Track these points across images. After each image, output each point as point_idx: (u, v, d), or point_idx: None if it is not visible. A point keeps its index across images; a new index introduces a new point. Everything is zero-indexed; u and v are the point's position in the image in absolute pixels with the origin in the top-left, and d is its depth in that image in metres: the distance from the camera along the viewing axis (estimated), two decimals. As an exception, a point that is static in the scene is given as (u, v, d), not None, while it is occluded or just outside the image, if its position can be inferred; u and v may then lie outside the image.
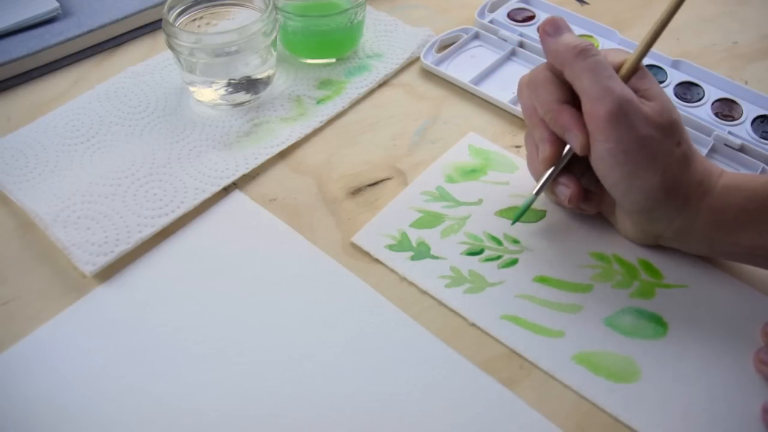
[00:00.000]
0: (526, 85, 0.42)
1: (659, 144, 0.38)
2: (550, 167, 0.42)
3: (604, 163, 0.39)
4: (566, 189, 0.42)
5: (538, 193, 0.42)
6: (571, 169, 0.42)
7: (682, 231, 0.41)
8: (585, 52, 0.38)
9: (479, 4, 0.62)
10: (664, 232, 0.42)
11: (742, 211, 0.39)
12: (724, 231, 0.40)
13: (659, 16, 0.39)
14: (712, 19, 0.64)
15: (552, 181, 0.42)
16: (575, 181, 0.42)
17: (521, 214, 0.43)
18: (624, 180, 0.39)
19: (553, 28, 0.40)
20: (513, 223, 0.44)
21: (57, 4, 0.57)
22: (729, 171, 0.41)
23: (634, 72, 0.40)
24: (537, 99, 0.41)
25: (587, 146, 0.39)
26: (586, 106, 0.39)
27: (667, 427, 0.36)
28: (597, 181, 0.41)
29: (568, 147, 0.41)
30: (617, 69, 0.40)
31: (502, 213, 0.46)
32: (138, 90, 0.53)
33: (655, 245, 0.43)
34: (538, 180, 0.43)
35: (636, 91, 0.39)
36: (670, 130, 0.39)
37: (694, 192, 0.39)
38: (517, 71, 0.57)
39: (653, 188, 0.39)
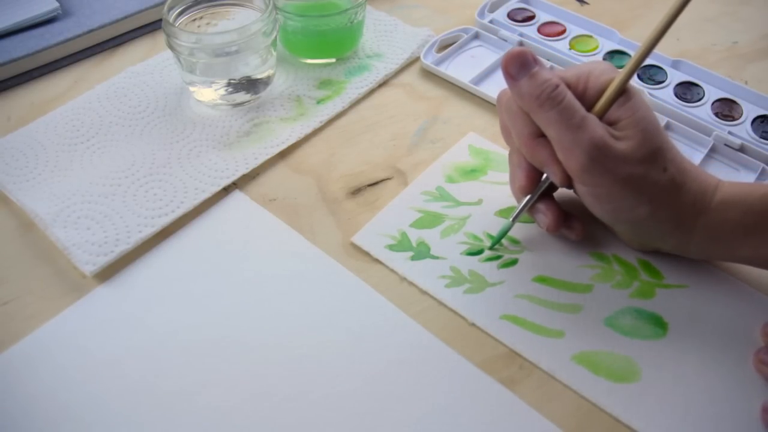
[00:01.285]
0: (505, 109, 0.40)
1: (642, 178, 0.37)
2: (526, 196, 0.41)
3: (586, 199, 0.39)
4: (544, 218, 0.41)
5: (514, 219, 0.42)
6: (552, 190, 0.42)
7: (678, 247, 0.41)
8: (550, 101, 0.36)
9: (479, 4, 0.62)
10: (660, 247, 0.42)
11: (739, 226, 0.38)
12: (721, 246, 0.39)
13: (644, 40, 0.37)
14: (712, 19, 0.64)
15: (531, 207, 0.42)
16: (554, 208, 0.41)
17: (498, 239, 0.43)
18: (609, 215, 0.39)
19: (516, 68, 0.37)
20: (490, 248, 0.43)
21: (57, 4, 0.57)
22: (725, 182, 0.39)
23: (619, 95, 0.37)
24: (513, 128, 0.39)
25: (567, 181, 0.38)
26: (558, 154, 0.37)
27: (667, 427, 0.36)
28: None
29: (545, 176, 0.41)
30: (602, 91, 0.38)
31: (502, 213, 0.46)
32: (138, 90, 0.53)
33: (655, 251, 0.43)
34: (518, 198, 0.43)
35: (616, 121, 0.37)
36: (654, 159, 0.37)
37: (687, 213, 0.38)
38: (517, 71, 0.57)
39: (641, 219, 0.38)
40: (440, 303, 0.41)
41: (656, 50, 0.56)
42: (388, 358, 0.38)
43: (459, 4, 0.64)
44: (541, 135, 0.38)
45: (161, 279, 0.42)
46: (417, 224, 0.45)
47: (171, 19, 0.49)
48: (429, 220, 0.45)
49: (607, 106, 0.37)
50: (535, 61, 0.38)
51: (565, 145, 0.37)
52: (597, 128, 0.36)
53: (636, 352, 0.38)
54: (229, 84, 0.51)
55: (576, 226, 0.42)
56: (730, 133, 0.51)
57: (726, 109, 0.53)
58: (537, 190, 0.41)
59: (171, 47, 0.49)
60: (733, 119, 0.52)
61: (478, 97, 0.54)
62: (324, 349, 0.39)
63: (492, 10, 0.62)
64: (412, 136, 0.51)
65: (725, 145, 0.50)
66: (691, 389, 0.37)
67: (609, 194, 0.37)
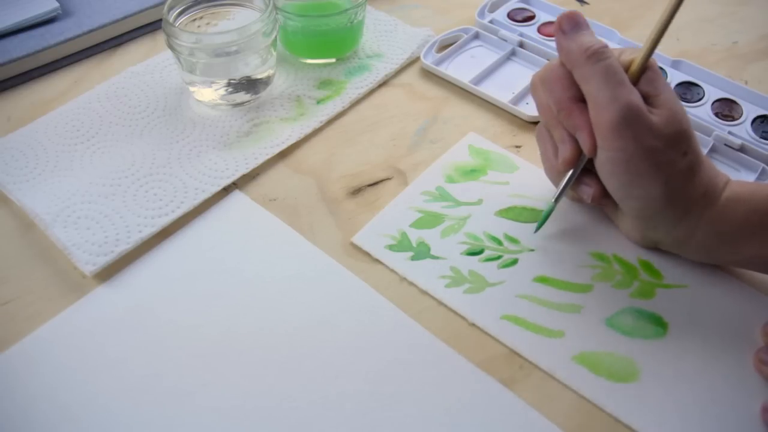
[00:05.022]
0: (540, 82, 0.41)
1: (663, 155, 0.37)
2: (571, 169, 0.41)
3: (605, 168, 0.39)
4: (589, 189, 0.41)
5: (558, 199, 0.42)
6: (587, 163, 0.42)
7: (681, 240, 0.41)
8: (596, 54, 0.37)
9: (479, 4, 0.62)
10: (663, 239, 0.42)
11: (745, 223, 0.38)
12: (724, 242, 0.39)
13: (662, 12, 0.38)
14: (712, 19, 0.64)
15: (575, 182, 0.42)
16: (598, 182, 0.41)
17: (543, 221, 0.43)
18: (624, 187, 0.39)
19: (569, 25, 0.39)
20: (536, 230, 0.44)
21: (57, 4, 0.57)
22: (734, 180, 0.40)
23: (642, 71, 0.38)
24: (551, 96, 0.40)
25: (595, 149, 0.39)
26: (591, 112, 0.38)
27: (667, 427, 0.36)
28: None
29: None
30: (626, 69, 0.39)
31: (502, 213, 0.46)
32: (138, 90, 0.53)
33: (655, 249, 0.43)
34: (554, 180, 0.43)
35: (646, 96, 0.38)
36: (677, 140, 0.38)
37: (697, 204, 0.39)
38: (517, 71, 0.57)
39: (653, 198, 0.38)
40: (440, 303, 0.41)
41: (656, 50, 0.56)
42: (388, 358, 0.38)
43: (459, 4, 0.64)
44: (579, 100, 0.39)
45: (161, 279, 0.42)
46: (417, 224, 0.45)
47: (171, 19, 0.49)
48: (429, 220, 0.45)
49: (637, 74, 0.38)
50: (587, 26, 0.39)
51: (601, 101, 0.37)
52: (635, 93, 0.37)
53: (636, 352, 0.38)
54: (229, 84, 0.51)
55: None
56: (730, 133, 0.51)
57: (726, 109, 0.53)
58: (579, 163, 0.41)
59: (171, 47, 0.49)
60: (733, 119, 0.52)
61: (478, 97, 0.54)
62: (324, 349, 0.39)
63: (492, 10, 0.62)
64: (412, 136, 0.51)
65: (725, 145, 0.50)
66: (691, 389, 0.37)
67: (628, 163, 0.37)
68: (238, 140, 0.50)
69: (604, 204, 0.43)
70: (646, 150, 0.37)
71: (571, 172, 0.41)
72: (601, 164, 0.39)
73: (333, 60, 0.57)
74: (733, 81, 0.54)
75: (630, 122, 0.36)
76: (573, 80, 0.39)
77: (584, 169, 0.41)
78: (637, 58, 0.38)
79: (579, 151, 0.40)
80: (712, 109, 0.53)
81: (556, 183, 0.43)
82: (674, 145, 0.37)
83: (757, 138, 0.50)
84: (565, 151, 0.40)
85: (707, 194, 0.39)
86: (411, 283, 0.42)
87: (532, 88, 0.42)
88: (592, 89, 0.37)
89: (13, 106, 0.53)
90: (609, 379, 0.37)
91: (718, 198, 0.39)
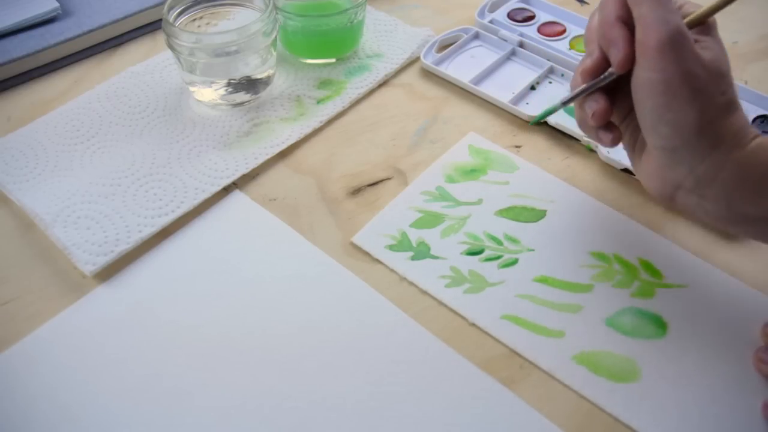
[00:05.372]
0: (599, 7, 0.42)
1: (703, 83, 0.38)
2: (587, 80, 0.41)
3: (642, 90, 0.39)
4: (595, 104, 0.41)
5: (565, 102, 0.42)
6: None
7: (703, 181, 0.39)
8: None
9: (479, 4, 0.62)
10: (684, 181, 0.40)
11: None
12: (747, 188, 0.38)
13: None
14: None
15: (585, 96, 0.41)
16: (607, 100, 0.41)
17: (542, 117, 0.43)
18: (657, 110, 0.39)
19: None
20: (532, 122, 0.44)
21: (57, 4, 0.57)
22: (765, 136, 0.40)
23: (698, 24, 0.39)
24: (601, 12, 0.41)
25: (625, 64, 0.39)
26: (638, 33, 0.38)
27: (667, 427, 0.36)
28: (624, 119, 0.42)
29: (610, 69, 0.40)
30: (683, 17, 0.39)
31: (502, 213, 0.46)
32: (138, 90, 0.53)
33: (670, 208, 0.43)
34: (573, 90, 0.43)
35: (695, 41, 0.39)
36: (719, 78, 0.38)
37: (726, 141, 0.38)
38: (517, 71, 0.57)
39: (685, 124, 0.38)
40: (440, 303, 0.41)
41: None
42: (388, 358, 0.38)
43: (459, 4, 0.64)
44: (623, 22, 0.39)
45: (161, 279, 0.42)
46: (417, 224, 0.45)
47: (171, 19, 0.49)
48: (429, 220, 0.45)
49: (691, 24, 0.39)
50: None
51: (650, 21, 0.38)
52: (685, 26, 0.38)
53: (636, 352, 0.38)
54: (229, 84, 0.51)
55: (615, 131, 0.42)
56: (730, 133, 0.51)
57: (726, 109, 0.53)
58: (598, 81, 0.41)
59: (171, 47, 0.49)
60: (733, 119, 0.52)
61: (478, 97, 0.54)
62: (324, 349, 0.39)
63: (492, 10, 0.62)
64: (412, 136, 0.51)
65: (725, 145, 0.50)
66: (691, 389, 0.37)
67: (668, 84, 0.38)
68: (238, 140, 0.50)
69: (600, 138, 0.42)
70: (688, 74, 0.37)
71: (587, 84, 0.41)
72: (639, 85, 0.39)
73: (333, 60, 0.57)
74: (734, 81, 0.54)
75: (676, 44, 0.37)
76: (626, 5, 0.40)
77: (600, 90, 0.41)
78: (696, 12, 0.39)
79: (600, 65, 0.41)
80: (712, 109, 0.53)
81: (574, 89, 0.43)
82: (715, 82, 0.38)
83: (757, 138, 0.50)
84: (586, 62, 0.41)
85: (738, 135, 0.38)
86: (411, 283, 0.42)
87: (591, 15, 0.43)
88: (642, 11, 0.38)
89: (13, 106, 0.53)
90: (609, 379, 0.37)
91: (748, 142, 0.38)
